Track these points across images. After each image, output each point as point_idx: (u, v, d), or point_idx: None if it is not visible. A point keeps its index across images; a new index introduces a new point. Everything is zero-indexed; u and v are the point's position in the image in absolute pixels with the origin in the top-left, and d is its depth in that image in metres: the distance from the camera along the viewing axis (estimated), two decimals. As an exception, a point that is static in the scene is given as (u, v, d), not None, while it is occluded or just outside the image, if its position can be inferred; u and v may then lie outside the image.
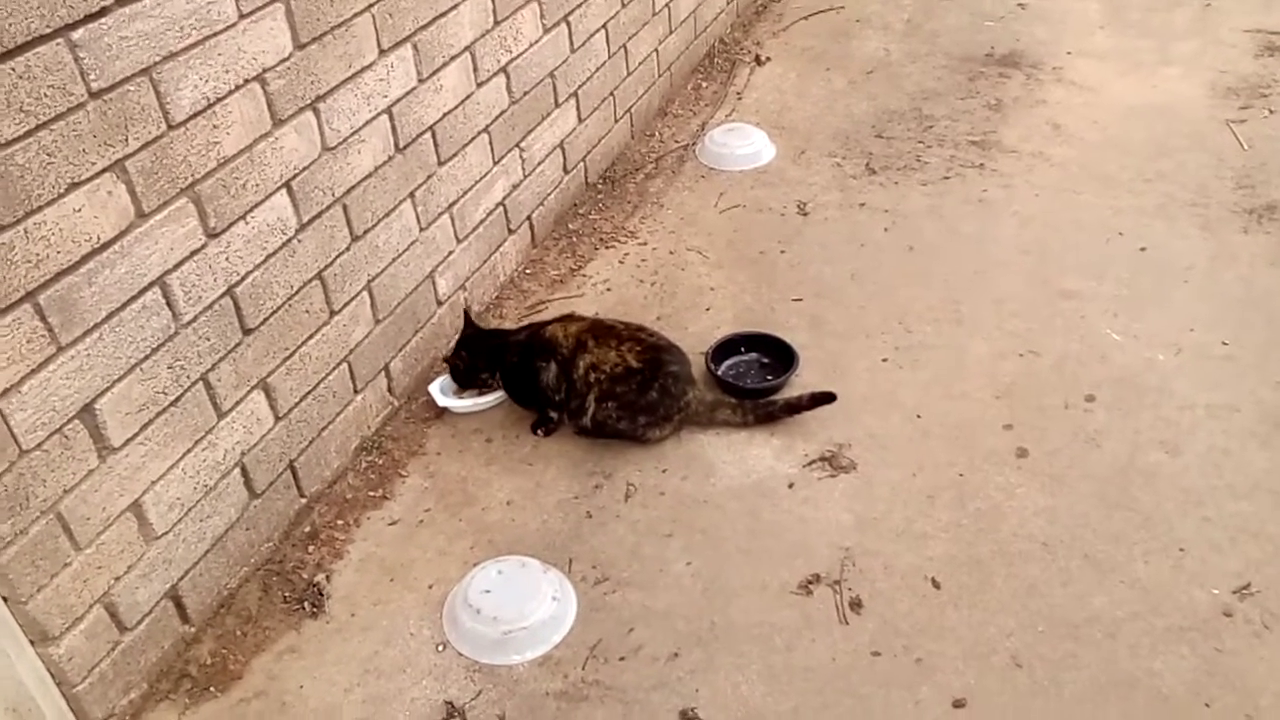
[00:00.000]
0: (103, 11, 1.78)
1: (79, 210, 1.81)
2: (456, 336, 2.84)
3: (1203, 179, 3.53)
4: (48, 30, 1.70)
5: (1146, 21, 4.67)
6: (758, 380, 2.84)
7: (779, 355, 2.87)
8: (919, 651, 2.13)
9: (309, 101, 2.28)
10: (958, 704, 2.02)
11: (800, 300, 3.12)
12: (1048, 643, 2.12)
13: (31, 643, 1.94)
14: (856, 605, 2.23)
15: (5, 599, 1.87)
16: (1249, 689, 2.01)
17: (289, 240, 2.31)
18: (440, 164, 2.81)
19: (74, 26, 1.74)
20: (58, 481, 1.88)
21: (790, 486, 2.52)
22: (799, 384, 2.79)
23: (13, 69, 1.66)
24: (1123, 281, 3.09)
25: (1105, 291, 3.05)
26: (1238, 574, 2.22)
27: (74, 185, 1.80)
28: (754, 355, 2.91)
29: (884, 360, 2.87)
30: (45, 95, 1.72)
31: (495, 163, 3.07)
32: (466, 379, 2.78)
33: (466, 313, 2.84)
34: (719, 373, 2.82)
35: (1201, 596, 2.19)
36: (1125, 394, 2.70)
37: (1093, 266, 3.16)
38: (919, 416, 2.68)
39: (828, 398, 2.61)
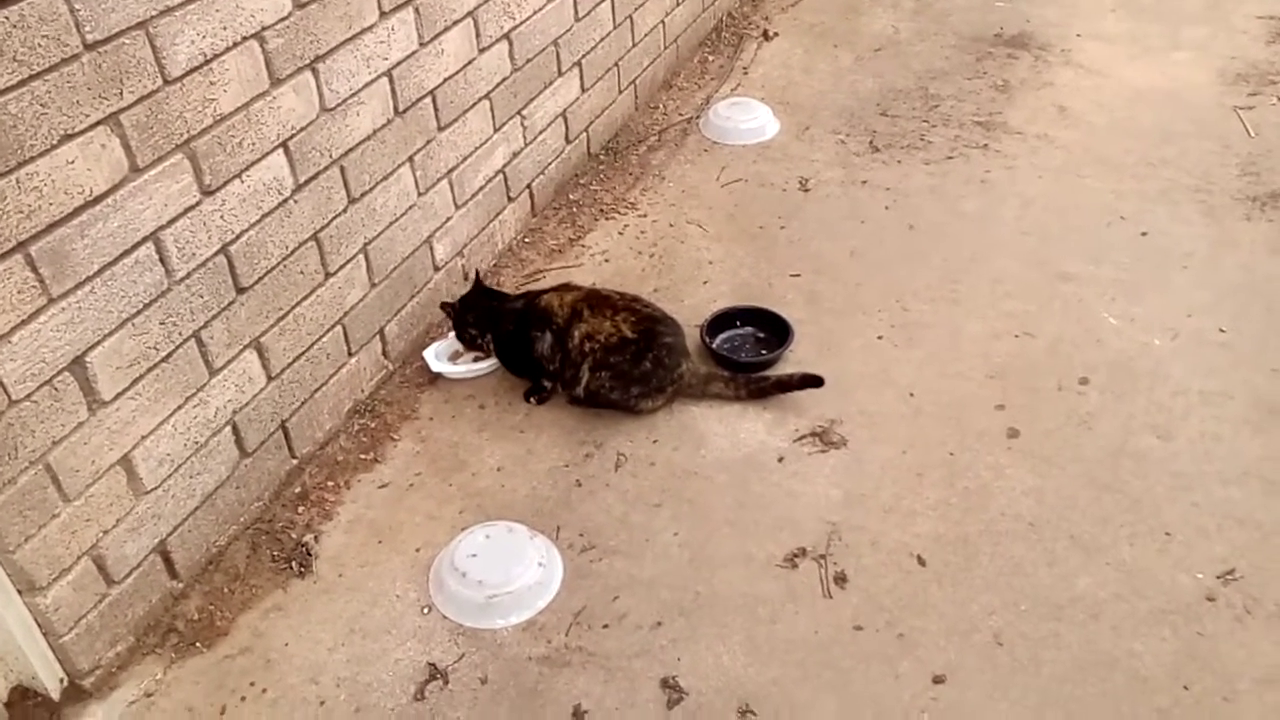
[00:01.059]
0: (99, -37, 1.78)
1: (72, 162, 1.81)
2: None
3: (1207, 165, 3.51)
4: (43, -20, 1.69)
5: (1158, 5, 4.63)
6: (752, 354, 2.84)
7: (774, 330, 2.87)
8: (901, 627, 2.14)
9: (308, 61, 2.28)
10: (937, 679, 2.03)
11: (798, 276, 3.11)
12: (1030, 622, 2.13)
13: (19, 592, 1.96)
14: (841, 580, 2.24)
15: (-7, 548, 1.89)
16: (1228, 673, 2.02)
17: (285, 200, 2.31)
18: (440, 129, 2.80)
19: (70, -23, 1.73)
20: (47, 433, 1.89)
21: (780, 460, 2.52)
22: (794, 359, 2.79)
23: (6, 18, 1.65)
24: (1122, 266, 3.08)
25: (1104, 275, 3.04)
26: (1223, 559, 2.23)
27: (67, 137, 1.79)
28: (749, 329, 2.91)
29: (879, 338, 2.87)
30: (39, 45, 1.71)
31: (496, 130, 3.06)
32: (459, 331, 2.78)
33: (477, 273, 2.85)
34: (713, 346, 2.82)
35: (1185, 580, 2.19)
36: (1119, 378, 2.69)
37: (1092, 250, 3.15)
38: (912, 395, 2.68)
39: (816, 381, 2.60)
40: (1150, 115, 3.82)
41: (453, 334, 2.82)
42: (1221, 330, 2.82)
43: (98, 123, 1.84)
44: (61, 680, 2.08)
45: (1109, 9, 4.62)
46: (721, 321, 2.90)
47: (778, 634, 2.14)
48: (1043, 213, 3.34)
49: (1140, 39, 4.35)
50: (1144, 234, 3.21)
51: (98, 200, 1.88)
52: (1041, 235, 3.23)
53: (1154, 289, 2.98)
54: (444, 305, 2.81)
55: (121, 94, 1.87)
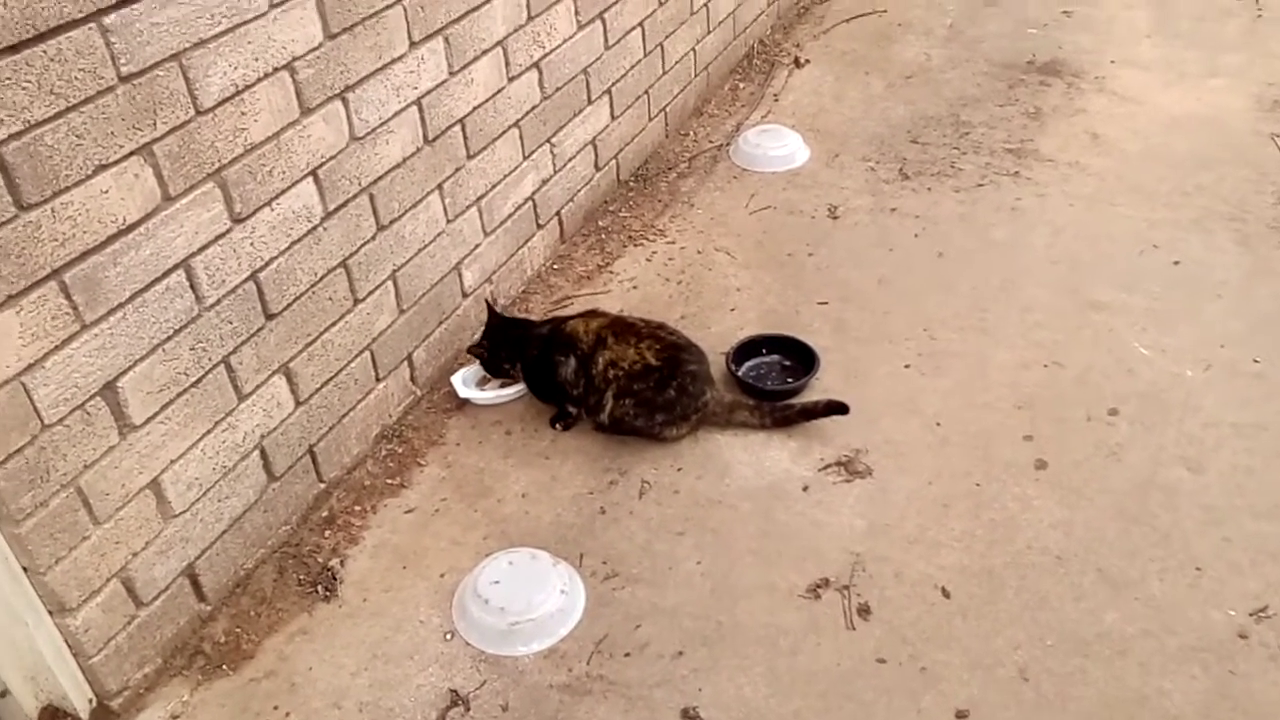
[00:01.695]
0: (135, -3, 1.82)
1: (106, 192, 1.85)
2: (482, 328, 2.86)
3: (1243, 193, 3.47)
4: (80, 15, 1.73)
5: (1195, 31, 4.59)
6: (778, 382, 2.83)
7: (801, 358, 2.86)
8: (925, 660, 2.12)
9: (338, 91, 2.31)
10: (961, 714, 2.01)
11: (826, 303, 3.11)
12: (1056, 657, 2.10)
13: (50, 613, 1.98)
14: (864, 611, 2.22)
15: (25, 569, 1.92)
16: (1260, 713, 1.98)
17: (314, 228, 2.34)
18: (469, 157, 2.83)
19: (106, 11, 1.77)
20: (78, 456, 1.92)
21: (805, 489, 2.51)
22: (820, 388, 2.78)
23: (44, 51, 1.69)
24: (1154, 295, 3.04)
25: (1135, 304, 3.01)
26: (1255, 596, 2.19)
27: (102, 167, 1.83)
28: (775, 357, 2.91)
29: (906, 366, 2.85)
30: (76, 78, 1.75)
31: (525, 157, 3.09)
32: (492, 368, 2.81)
33: (488, 303, 2.86)
34: (739, 373, 2.82)
35: (1217, 617, 2.16)
36: (1150, 409, 2.66)
37: (1124, 279, 3.12)
38: (938, 424, 2.66)
39: (841, 408, 2.60)
40: (1185, 143, 3.79)
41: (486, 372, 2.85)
42: (1255, 361, 2.78)
43: (131, 153, 1.88)
44: (90, 701, 2.10)
45: (1144, 35, 4.59)
46: (748, 349, 2.90)
47: (799, 665, 2.13)
48: (1074, 241, 3.31)
49: (1176, 65, 4.32)
50: (1176, 263, 3.18)
51: (130, 229, 1.91)
52: (1072, 264, 3.21)
53: (1186, 319, 2.95)
54: (472, 350, 2.83)
55: (155, 124, 1.91)
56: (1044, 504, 2.43)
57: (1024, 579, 2.26)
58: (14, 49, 1.65)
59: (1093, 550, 2.31)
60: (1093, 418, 2.65)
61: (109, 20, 1.78)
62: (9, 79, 1.65)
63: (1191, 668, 2.06)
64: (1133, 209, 3.45)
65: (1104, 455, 2.54)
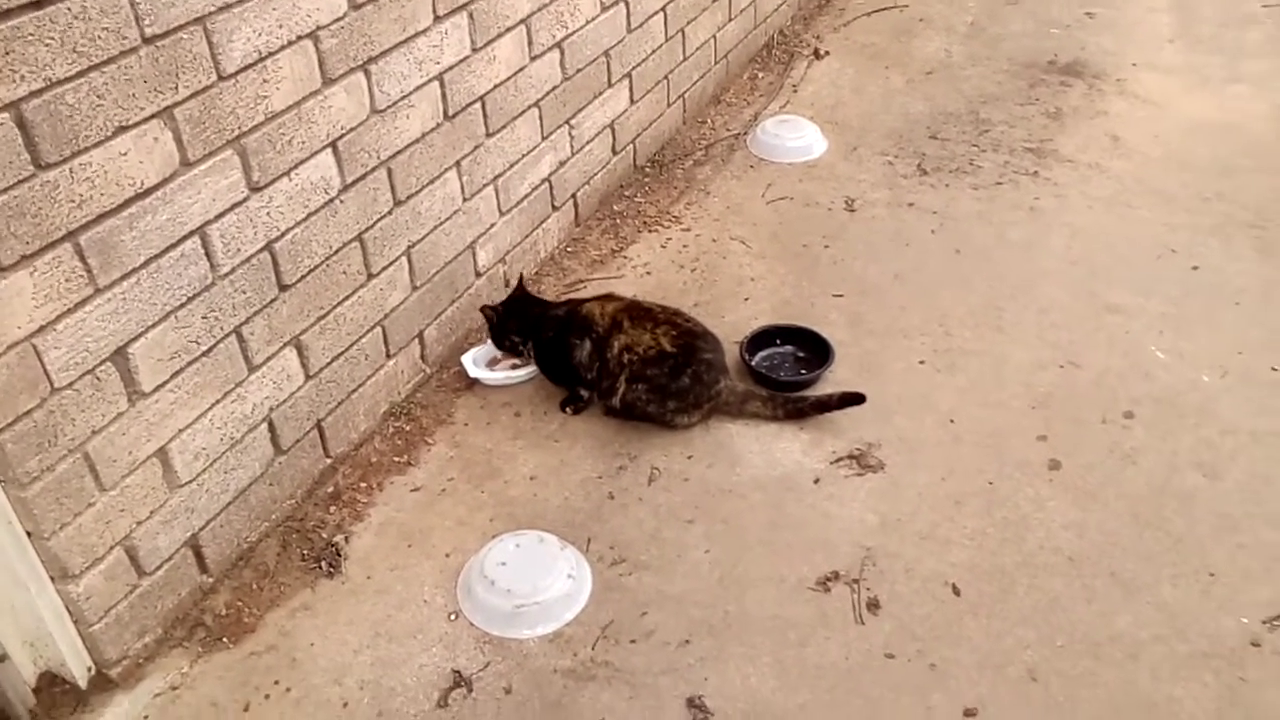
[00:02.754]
0: (161, -42, 1.79)
1: (125, 154, 1.82)
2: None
3: (1264, 201, 3.44)
4: (105, -28, 1.71)
5: (1218, 37, 4.56)
6: (792, 373, 2.81)
7: (815, 350, 2.84)
8: (933, 657, 2.10)
9: (360, 63, 2.28)
10: (969, 713, 1.99)
11: (841, 296, 3.08)
12: (1066, 658, 2.08)
13: (52, 579, 1.97)
14: (874, 606, 2.20)
15: (29, 534, 1.90)
16: (1271, 722, 1.96)
17: (331, 200, 2.31)
18: (488, 135, 2.80)
19: (131, -30, 1.75)
20: (86, 422, 1.90)
21: (816, 482, 2.49)
22: (833, 380, 2.76)
23: (68, 8, 1.67)
24: (1171, 299, 3.02)
25: (1153, 308, 2.99)
26: (1269, 603, 2.17)
27: (121, 129, 1.81)
28: (790, 348, 2.89)
29: (921, 362, 2.83)
30: (99, 37, 1.73)
31: (544, 138, 3.06)
32: (498, 336, 2.77)
33: (521, 277, 2.84)
34: (752, 363, 2.80)
35: (1229, 624, 2.13)
36: (1166, 413, 2.64)
37: (1142, 282, 3.09)
38: (952, 421, 2.64)
39: (857, 399, 2.57)
40: (1206, 148, 3.76)
41: (490, 341, 2.81)
42: (1274, 369, 2.75)
43: (152, 116, 1.85)
44: (89, 669, 2.09)
45: (1167, 39, 4.56)
46: (761, 339, 2.88)
47: (807, 658, 2.11)
48: (1092, 243, 3.29)
49: (1198, 70, 4.28)
50: (1195, 268, 3.15)
51: (148, 193, 1.89)
52: (1090, 265, 3.18)
53: (1204, 324, 2.93)
54: (485, 309, 2.79)
55: (176, 88, 1.88)
56: (1057, 505, 2.41)
57: (1035, 579, 2.24)
58: (38, 4, 1.62)
59: (1105, 553, 2.29)
60: (1108, 420, 2.62)
61: (134, -21, 1.75)
62: (32, 34, 1.62)
63: (1203, 674, 2.04)
64: (1152, 212, 3.42)
65: (1119, 458, 2.52)
